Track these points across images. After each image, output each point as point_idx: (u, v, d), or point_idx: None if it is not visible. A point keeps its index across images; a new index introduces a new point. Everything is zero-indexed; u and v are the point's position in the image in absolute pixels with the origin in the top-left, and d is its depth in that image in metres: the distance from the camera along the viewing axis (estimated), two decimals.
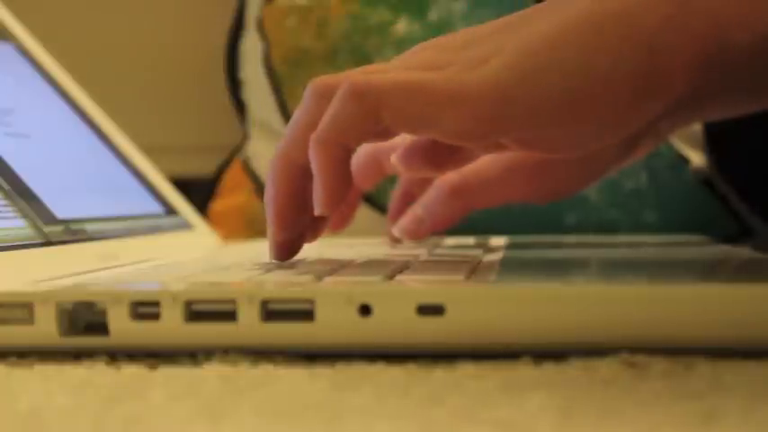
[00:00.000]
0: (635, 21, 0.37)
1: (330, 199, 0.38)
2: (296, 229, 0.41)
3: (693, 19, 0.37)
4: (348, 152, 0.38)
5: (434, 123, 0.37)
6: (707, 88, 0.38)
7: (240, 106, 0.90)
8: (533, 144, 0.40)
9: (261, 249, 0.54)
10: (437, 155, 0.43)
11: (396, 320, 0.32)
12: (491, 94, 0.36)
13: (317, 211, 0.39)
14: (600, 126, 0.38)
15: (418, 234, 0.55)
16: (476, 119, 0.37)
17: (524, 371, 0.30)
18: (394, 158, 0.43)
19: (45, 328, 0.33)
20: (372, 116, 0.37)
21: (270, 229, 0.40)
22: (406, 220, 0.55)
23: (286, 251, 0.41)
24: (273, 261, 0.41)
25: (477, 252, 0.49)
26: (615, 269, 0.44)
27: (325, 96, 0.39)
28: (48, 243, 0.45)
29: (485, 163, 0.53)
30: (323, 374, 0.30)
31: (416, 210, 0.55)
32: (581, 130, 0.38)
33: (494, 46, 0.37)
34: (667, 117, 0.39)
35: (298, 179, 0.40)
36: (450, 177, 0.54)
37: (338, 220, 0.57)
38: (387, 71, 0.38)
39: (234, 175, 0.88)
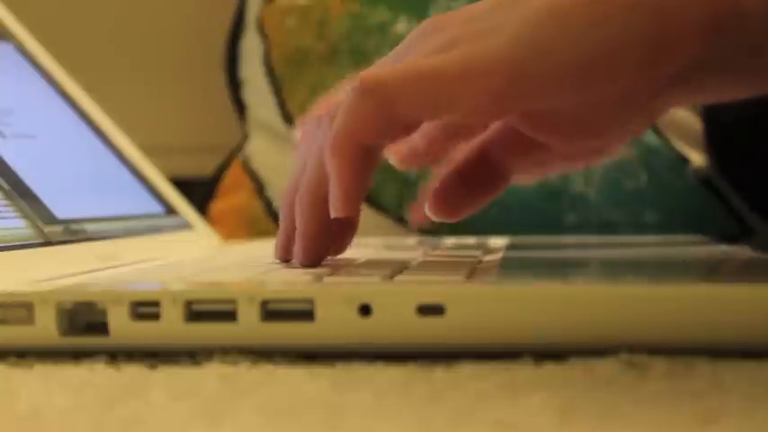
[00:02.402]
0: None
1: (346, 201, 0.37)
2: (325, 247, 0.41)
3: None
4: (366, 152, 0.38)
5: (449, 105, 0.36)
6: (718, 61, 0.38)
7: (240, 106, 0.90)
8: (548, 122, 0.39)
9: (261, 249, 0.54)
10: (471, 184, 0.44)
11: (396, 320, 0.32)
12: (502, 67, 0.36)
13: (332, 214, 0.38)
14: (612, 94, 0.37)
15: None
16: (490, 94, 0.36)
17: (524, 371, 0.30)
18: (427, 208, 0.44)
19: (45, 328, 0.33)
20: (385, 109, 0.37)
21: (302, 252, 0.40)
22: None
23: (318, 262, 0.41)
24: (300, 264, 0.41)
25: (477, 252, 0.49)
26: (615, 269, 0.44)
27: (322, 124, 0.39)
28: (48, 243, 0.45)
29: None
30: (323, 374, 0.30)
31: None
32: (596, 101, 0.38)
33: (496, 21, 0.37)
34: (676, 86, 0.39)
35: (321, 205, 0.39)
36: None
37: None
38: (391, 64, 0.38)
39: (234, 175, 0.88)
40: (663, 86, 0.38)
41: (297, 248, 0.40)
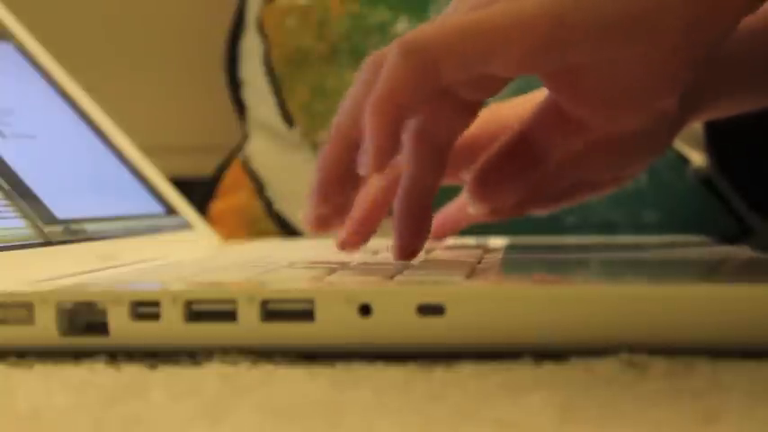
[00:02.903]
0: None
1: (377, 158, 0.37)
2: (336, 203, 0.40)
3: None
4: (403, 116, 0.37)
5: (494, 57, 0.36)
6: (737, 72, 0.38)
7: (240, 106, 0.90)
8: (587, 88, 0.39)
9: (261, 249, 0.54)
10: (508, 168, 0.43)
11: (396, 320, 0.32)
12: (546, 19, 0.36)
13: (361, 170, 0.38)
14: (653, 53, 0.37)
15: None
16: (535, 45, 0.36)
17: (524, 370, 0.30)
18: (465, 194, 0.44)
19: (45, 328, 0.33)
20: (430, 69, 0.36)
21: (311, 198, 0.40)
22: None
23: (322, 224, 0.41)
24: (308, 231, 0.41)
25: (477, 252, 0.49)
26: (615, 269, 0.44)
27: (379, 65, 0.38)
28: (48, 243, 0.45)
29: None
30: (323, 374, 0.30)
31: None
32: (637, 59, 0.38)
33: None
34: (691, 102, 0.39)
35: (348, 152, 0.39)
36: None
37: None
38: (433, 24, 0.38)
39: (234, 175, 0.88)
40: (696, 57, 0.38)
41: (364, 156, 0.38)
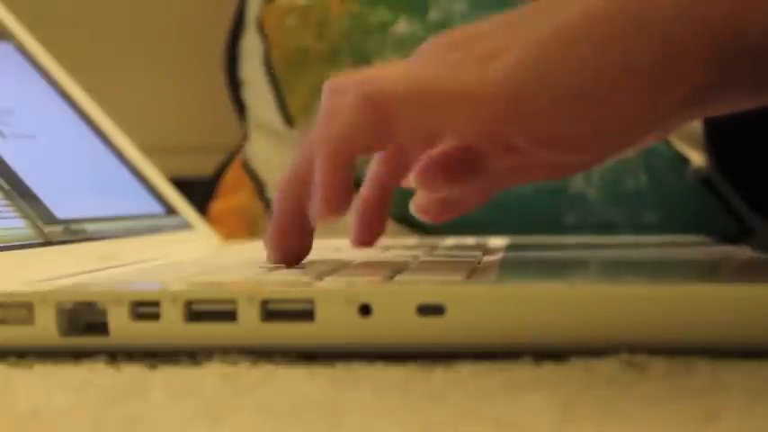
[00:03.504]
0: (648, 12, 0.36)
1: (329, 208, 0.38)
2: (296, 242, 0.41)
3: (708, 9, 0.36)
4: (354, 161, 0.38)
5: (448, 125, 0.37)
6: (721, 82, 0.38)
7: (240, 106, 0.90)
8: (548, 144, 0.39)
9: (261, 249, 0.54)
10: (455, 169, 0.43)
11: (396, 320, 0.32)
12: (504, 91, 0.36)
13: (312, 221, 0.39)
14: (616, 121, 0.37)
15: (443, 216, 0.53)
16: (490, 117, 0.36)
17: (524, 370, 0.30)
18: (412, 177, 0.44)
19: (45, 328, 0.33)
20: (384, 126, 0.37)
21: (269, 243, 0.40)
22: (426, 201, 0.51)
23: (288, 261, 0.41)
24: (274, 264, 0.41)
25: (477, 252, 0.49)
26: (615, 269, 0.44)
27: (339, 93, 0.38)
28: (48, 243, 0.45)
29: None
30: (323, 374, 0.30)
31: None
32: (596, 128, 0.38)
33: (503, 42, 0.37)
34: (680, 111, 0.39)
35: (303, 193, 0.39)
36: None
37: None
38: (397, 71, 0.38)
39: (234, 175, 0.88)
40: (663, 115, 0.38)
41: (316, 201, 0.39)
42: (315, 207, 0.38)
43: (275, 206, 0.40)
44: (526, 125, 0.37)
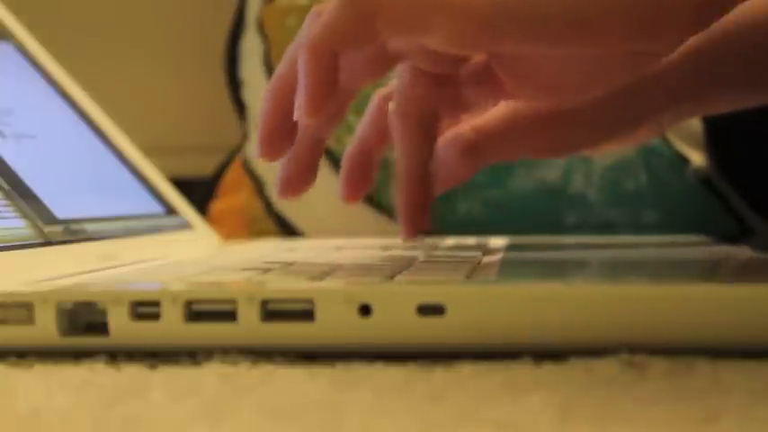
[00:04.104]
0: None
1: (312, 105, 0.37)
2: (283, 151, 0.41)
3: None
4: (337, 60, 0.37)
5: (430, 27, 0.36)
6: (711, 77, 0.37)
7: (240, 106, 0.90)
8: (528, 72, 0.39)
9: (261, 249, 0.54)
10: (440, 81, 0.43)
11: (396, 320, 0.32)
12: (490, 3, 0.36)
13: (296, 116, 0.37)
14: (597, 59, 0.37)
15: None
16: (472, 25, 0.36)
17: (524, 370, 0.30)
18: (396, 86, 0.44)
19: (45, 328, 0.33)
20: (367, 20, 0.37)
21: (258, 146, 0.40)
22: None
23: (274, 154, 0.41)
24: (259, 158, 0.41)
25: (477, 252, 0.49)
26: (615, 269, 0.44)
27: (321, 14, 0.38)
28: (48, 243, 0.45)
29: (495, 117, 0.51)
30: (323, 374, 0.30)
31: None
32: (576, 61, 0.38)
33: None
34: (669, 106, 0.38)
35: (289, 97, 0.39)
36: (460, 135, 0.51)
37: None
38: None
39: (234, 175, 0.88)
40: (650, 68, 0.38)
41: (298, 98, 0.38)
42: (297, 104, 0.37)
43: (261, 107, 0.40)
44: (506, 39, 0.36)
